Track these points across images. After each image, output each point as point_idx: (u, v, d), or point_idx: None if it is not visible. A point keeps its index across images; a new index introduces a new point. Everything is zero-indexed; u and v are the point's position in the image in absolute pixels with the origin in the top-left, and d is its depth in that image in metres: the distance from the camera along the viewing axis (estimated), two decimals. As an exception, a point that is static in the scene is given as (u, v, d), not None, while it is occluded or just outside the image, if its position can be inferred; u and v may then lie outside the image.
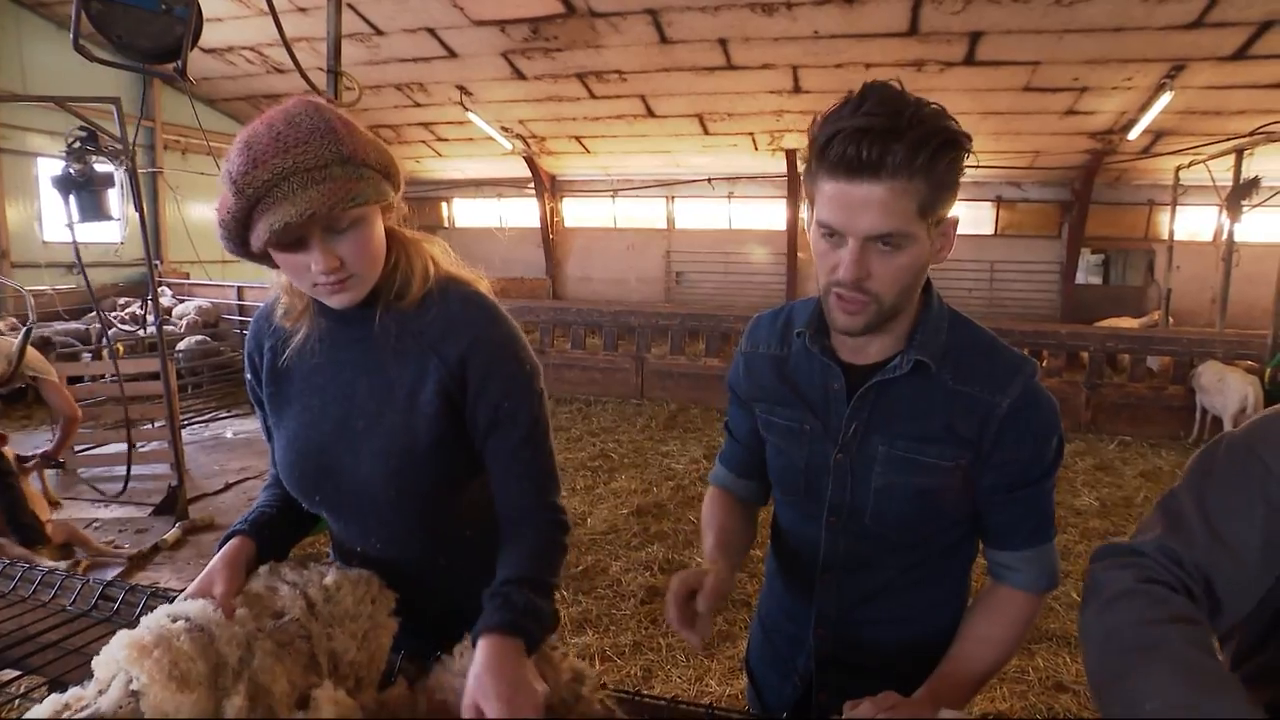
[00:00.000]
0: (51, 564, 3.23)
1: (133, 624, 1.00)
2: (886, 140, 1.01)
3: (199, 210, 13.70)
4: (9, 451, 4.42)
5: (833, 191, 1.07)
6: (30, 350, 4.41)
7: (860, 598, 1.34)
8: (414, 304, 1.23)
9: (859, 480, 1.25)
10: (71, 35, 2.85)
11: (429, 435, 1.23)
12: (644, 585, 4.40)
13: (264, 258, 1.13)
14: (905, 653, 1.35)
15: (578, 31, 10.39)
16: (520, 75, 12.00)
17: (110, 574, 4.26)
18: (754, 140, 13.82)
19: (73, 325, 9.49)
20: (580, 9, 9.78)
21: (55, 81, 10.27)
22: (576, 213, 17.82)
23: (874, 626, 1.36)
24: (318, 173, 1.05)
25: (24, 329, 4.38)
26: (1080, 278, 14.65)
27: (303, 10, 9.75)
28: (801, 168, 1.17)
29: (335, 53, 3.57)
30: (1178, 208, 12.12)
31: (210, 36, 11.26)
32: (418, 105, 13.65)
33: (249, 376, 1.38)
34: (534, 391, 1.27)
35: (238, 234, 1.10)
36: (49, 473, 5.66)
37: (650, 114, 13.03)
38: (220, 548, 1.22)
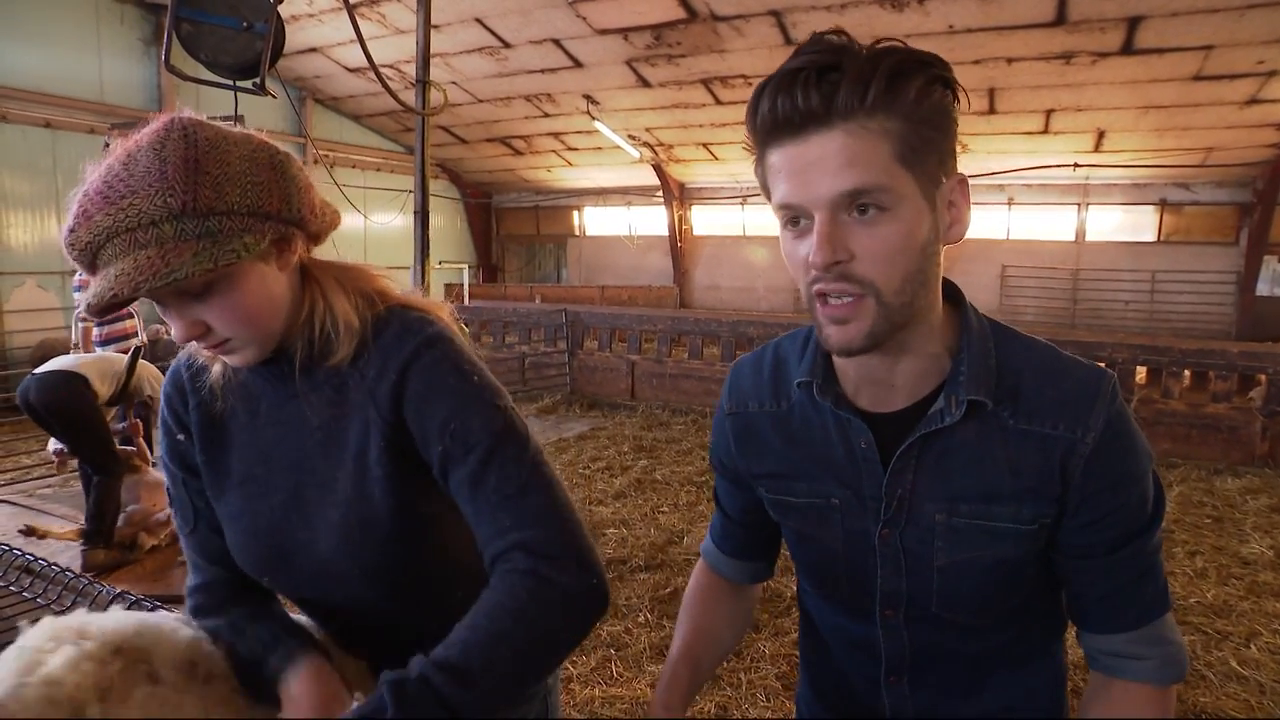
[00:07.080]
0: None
1: None
2: (825, 75, 0.78)
3: (344, 219, 14.67)
4: (139, 460, 4.61)
5: (781, 160, 0.83)
6: (150, 368, 4.52)
7: (939, 695, 1.07)
8: (346, 360, 1.02)
9: (916, 560, 0.97)
10: (163, 56, 2.97)
11: (386, 502, 1.01)
12: (733, 615, 4.17)
13: None
14: None
15: (700, 36, 10.25)
16: (645, 83, 11.99)
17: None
18: (887, 143, 13.24)
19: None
20: (702, 13, 9.63)
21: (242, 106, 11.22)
22: (705, 220, 17.73)
23: None
24: (141, 234, 0.83)
25: (133, 349, 4.38)
26: (1263, 289, 13.11)
27: (436, 28, 10.10)
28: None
29: (424, 64, 3.63)
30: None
31: (353, 57, 11.90)
32: (546, 115, 13.92)
33: (172, 441, 1.12)
34: (489, 404, 0.99)
35: None
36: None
37: (778, 118, 12.73)
38: None
